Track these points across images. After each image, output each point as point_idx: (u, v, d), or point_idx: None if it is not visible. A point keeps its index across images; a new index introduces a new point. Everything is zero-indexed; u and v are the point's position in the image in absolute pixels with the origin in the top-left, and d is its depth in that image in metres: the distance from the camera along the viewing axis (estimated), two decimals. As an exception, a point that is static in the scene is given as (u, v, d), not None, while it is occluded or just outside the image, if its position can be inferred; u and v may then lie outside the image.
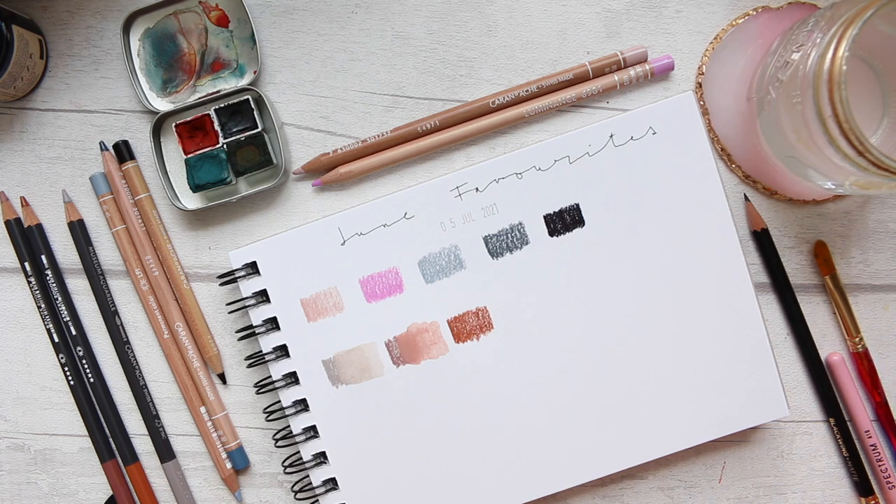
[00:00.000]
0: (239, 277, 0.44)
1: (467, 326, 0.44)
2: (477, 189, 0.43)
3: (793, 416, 0.46)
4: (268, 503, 0.47)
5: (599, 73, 0.45)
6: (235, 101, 0.44)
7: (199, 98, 0.45)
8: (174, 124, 0.44)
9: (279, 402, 0.45)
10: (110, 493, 0.47)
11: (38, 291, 0.46)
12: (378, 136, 0.45)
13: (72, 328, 0.46)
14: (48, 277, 0.46)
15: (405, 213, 0.43)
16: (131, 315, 0.47)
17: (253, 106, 0.44)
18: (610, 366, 0.44)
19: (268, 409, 0.45)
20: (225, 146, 0.44)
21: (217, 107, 0.44)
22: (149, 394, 0.46)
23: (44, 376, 0.47)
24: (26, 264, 0.46)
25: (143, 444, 0.47)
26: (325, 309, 0.44)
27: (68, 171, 0.46)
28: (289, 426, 0.45)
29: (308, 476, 0.44)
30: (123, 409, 0.47)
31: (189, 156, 0.44)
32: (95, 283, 0.46)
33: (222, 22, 0.45)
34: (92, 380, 0.46)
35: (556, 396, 0.44)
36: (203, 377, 0.46)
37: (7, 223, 0.46)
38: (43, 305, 0.46)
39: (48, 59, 0.46)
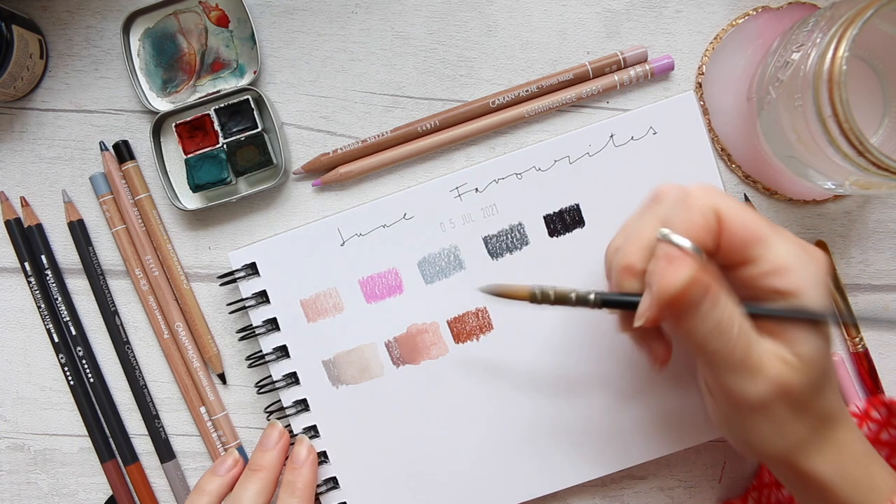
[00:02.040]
0: (238, 278, 0.44)
1: (467, 327, 0.44)
2: (477, 189, 0.43)
3: (793, 416, 0.46)
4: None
5: (599, 73, 0.45)
6: (235, 101, 0.44)
7: (199, 98, 0.45)
8: (174, 124, 0.44)
9: (279, 401, 0.45)
10: (110, 493, 0.47)
11: (38, 291, 0.46)
12: (378, 136, 0.45)
13: (72, 328, 0.46)
14: (48, 277, 0.46)
15: (405, 214, 0.43)
16: (131, 315, 0.47)
17: (253, 106, 0.44)
18: (610, 365, 0.44)
19: (269, 409, 0.45)
20: (225, 146, 0.44)
21: (217, 107, 0.44)
22: (149, 394, 0.46)
23: (44, 376, 0.47)
24: (26, 264, 0.46)
25: (143, 444, 0.47)
26: (325, 309, 0.44)
27: (68, 171, 0.46)
28: (289, 426, 0.45)
29: (308, 476, 0.44)
30: (123, 409, 0.47)
31: (189, 156, 0.44)
32: (95, 283, 0.46)
33: (222, 22, 0.45)
34: (92, 380, 0.46)
35: (556, 396, 0.44)
36: (203, 377, 0.46)
37: (7, 223, 0.46)
38: (43, 305, 0.46)
39: (48, 59, 0.46)
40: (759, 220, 0.31)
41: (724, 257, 0.31)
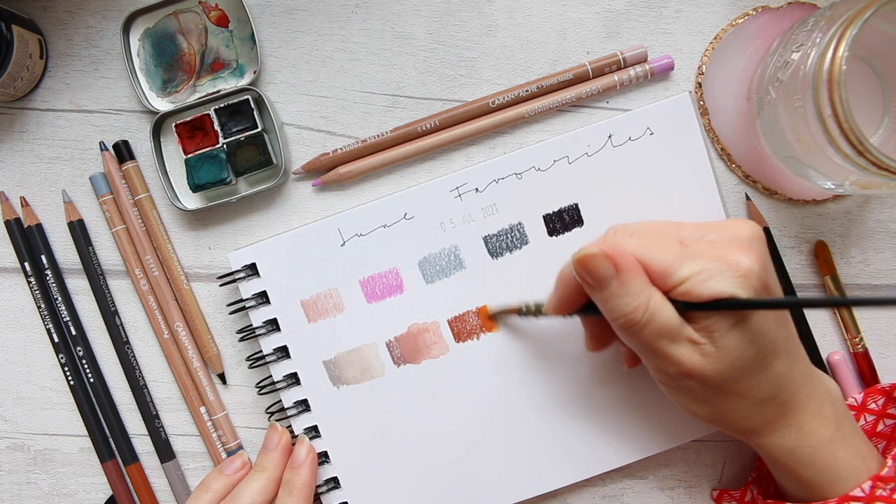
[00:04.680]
0: (238, 279, 0.44)
1: (468, 326, 0.44)
2: (477, 189, 0.43)
3: (793, 415, 0.46)
4: (268, 503, 0.47)
5: (599, 73, 0.45)
6: (235, 101, 0.44)
7: (199, 98, 0.45)
8: (174, 124, 0.44)
9: (280, 401, 0.45)
10: (110, 493, 0.47)
11: (38, 291, 0.46)
12: (378, 136, 0.45)
13: (72, 328, 0.46)
14: (48, 277, 0.46)
15: (405, 214, 0.43)
16: (131, 315, 0.47)
17: (253, 106, 0.44)
18: (611, 363, 0.44)
19: (270, 410, 0.45)
20: (225, 146, 0.44)
21: (217, 107, 0.44)
22: (149, 394, 0.46)
23: (44, 376, 0.47)
24: (26, 264, 0.46)
25: (143, 444, 0.47)
26: (326, 310, 0.44)
27: (68, 171, 0.46)
28: (290, 426, 0.45)
29: (308, 476, 0.44)
30: (123, 409, 0.47)
31: (189, 156, 0.44)
32: (95, 283, 0.46)
33: (222, 22, 0.45)
34: (92, 380, 0.46)
35: (556, 394, 0.44)
36: (203, 377, 0.46)
37: (7, 223, 0.46)
38: (43, 305, 0.46)
39: (48, 59, 0.46)
40: (665, 253, 0.34)
41: (658, 285, 0.34)
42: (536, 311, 0.40)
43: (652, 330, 0.33)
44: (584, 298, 0.37)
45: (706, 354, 0.33)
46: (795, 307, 0.37)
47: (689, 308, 0.33)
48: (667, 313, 0.33)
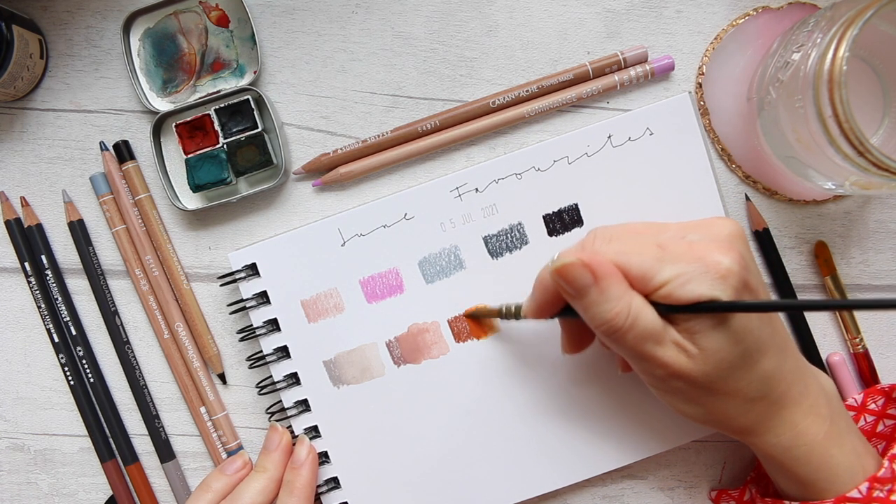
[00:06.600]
0: (239, 279, 0.44)
1: (468, 326, 0.44)
2: (477, 189, 0.43)
3: (793, 416, 0.46)
4: (268, 503, 0.47)
5: (600, 73, 0.45)
6: (235, 101, 0.44)
7: (199, 98, 0.45)
8: (174, 124, 0.44)
9: (280, 401, 0.45)
10: (110, 493, 0.47)
11: (38, 291, 0.46)
12: (378, 136, 0.45)
13: (72, 328, 0.46)
14: (48, 277, 0.46)
15: (405, 214, 0.43)
16: (131, 315, 0.47)
17: (253, 106, 0.44)
18: (611, 363, 0.44)
19: (270, 410, 0.45)
20: (225, 146, 0.44)
21: (217, 107, 0.44)
22: (149, 394, 0.46)
23: (44, 376, 0.47)
24: (26, 264, 0.46)
25: (143, 444, 0.47)
26: (326, 310, 0.44)
27: (68, 171, 0.46)
28: (291, 427, 0.45)
29: (308, 476, 0.44)
30: (123, 409, 0.47)
31: (189, 156, 0.44)
32: (95, 283, 0.46)
33: (222, 22, 0.45)
34: (92, 380, 0.46)
35: (558, 395, 0.44)
36: (203, 377, 0.46)
37: (7, 223, 0.46)
38: (43, 305, 0.46)
39: (48, 59, 0.46)
40: (643, 258, 0.34)
41: (638, 289, 0.34)
42: (516, 313, 0.40)
43: (635, 334, 0.33)
44: (562, 302, 0.37)
45: (691, 356, 0.33)
46: (773, 311, 0.37)
47: (670, 311, 0.33)
48: (649, 317, 0.33)
